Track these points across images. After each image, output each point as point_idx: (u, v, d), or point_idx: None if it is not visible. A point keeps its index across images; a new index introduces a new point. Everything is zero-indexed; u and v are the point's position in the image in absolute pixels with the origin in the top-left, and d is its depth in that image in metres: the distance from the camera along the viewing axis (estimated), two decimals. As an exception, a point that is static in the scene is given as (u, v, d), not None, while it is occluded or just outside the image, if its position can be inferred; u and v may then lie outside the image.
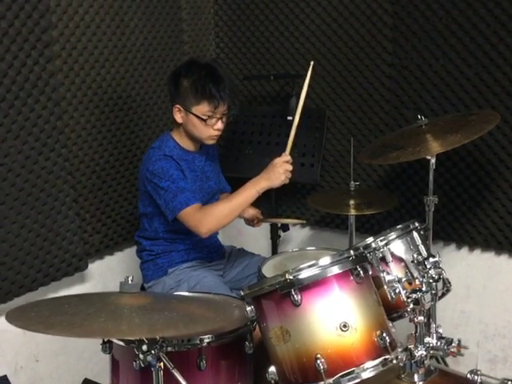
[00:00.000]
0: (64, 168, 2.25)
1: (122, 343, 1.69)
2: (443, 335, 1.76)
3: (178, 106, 2.14)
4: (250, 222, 2.47)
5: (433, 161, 2.05)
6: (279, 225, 2.67)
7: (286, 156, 2.12)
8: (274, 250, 2.70)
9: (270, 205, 2.76)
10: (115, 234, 2.55)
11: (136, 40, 2.54)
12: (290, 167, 2.11)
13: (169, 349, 1.61)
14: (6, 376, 2.08)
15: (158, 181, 2.08)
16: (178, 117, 2.15)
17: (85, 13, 2.32)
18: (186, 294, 2.00)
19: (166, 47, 2.69)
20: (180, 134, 2.20)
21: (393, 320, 1.77)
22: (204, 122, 2.12)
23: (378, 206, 2.32)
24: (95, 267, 2.51)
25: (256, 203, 2.83)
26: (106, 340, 1.73)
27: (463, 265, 2.49)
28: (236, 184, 2.57)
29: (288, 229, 2.67)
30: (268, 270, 2.09)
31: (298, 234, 2.87)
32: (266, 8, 2.76)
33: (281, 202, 2.82)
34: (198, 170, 2.25)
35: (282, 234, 2.72)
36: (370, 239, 1.81)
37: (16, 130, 2.09)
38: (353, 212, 2.27)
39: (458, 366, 2.24)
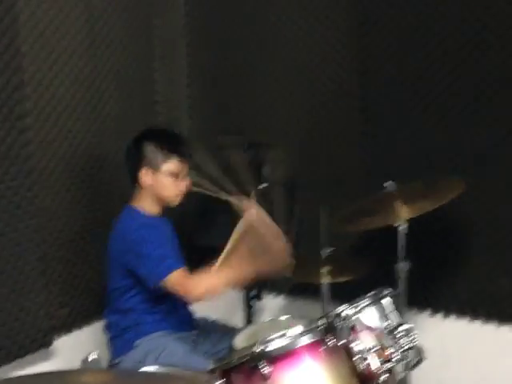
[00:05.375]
0: (32, 240, 2.21)
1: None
2: (419, 406, 1.71)
3: (144, 169, 2.14)
4: None
5: (402, 228, 2.07)
6: (251, 295, 2.62)
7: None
8: (249, 320, 2.65)
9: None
10: (83, 308, 2.47)
11: (111, 110, 2.55)
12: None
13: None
14: None
15: (140, 249, 2.07)
16: (149, 179, 2.14)
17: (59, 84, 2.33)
18: (152, 369, 1.92)
19: (140, 116, 2.70)
20: (143, 200, 2.18)
21: (367, 392, 1.72)
22: (175, 178, 2.13)
23: (351, 272, 2.30)
24: (62, 343, 2.40)
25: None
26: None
27: (438, 332, 2.45)
28: (206, 254, 2.53)
29: (261, 298, 2.61)
30: (239, 343, 2.02)
31: (271, 304, 2.82)
32: (238, 75, 2.80)
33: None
34: (169, 232, 2.24)
35: (255, 303, 2.68)
36: (340, 308, 1.78)
37: (-17, 202, 2.06)
38: (325, 280, 2.25)
39: None
